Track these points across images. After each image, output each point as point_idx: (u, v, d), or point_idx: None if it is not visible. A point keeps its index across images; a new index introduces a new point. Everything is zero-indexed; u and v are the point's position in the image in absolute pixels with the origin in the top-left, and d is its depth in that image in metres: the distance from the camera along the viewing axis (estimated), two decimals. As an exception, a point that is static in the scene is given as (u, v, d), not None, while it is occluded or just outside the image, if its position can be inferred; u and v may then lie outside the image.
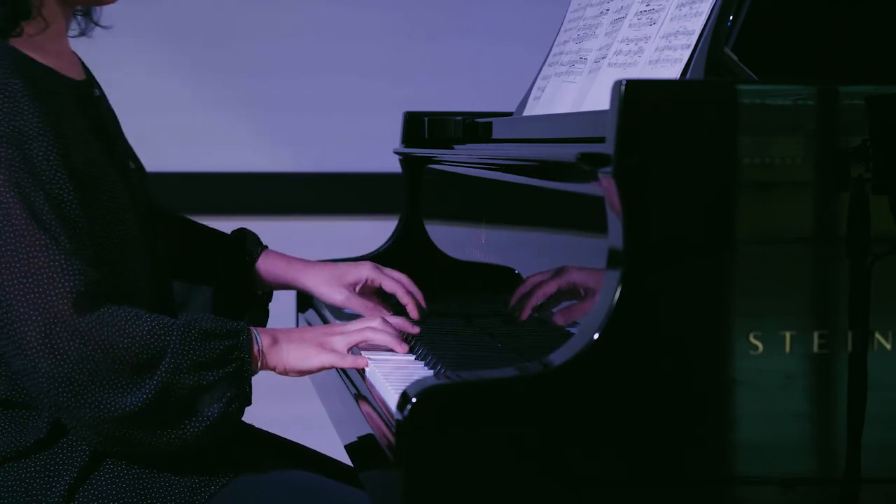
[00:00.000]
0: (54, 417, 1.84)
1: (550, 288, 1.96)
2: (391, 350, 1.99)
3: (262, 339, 1.88)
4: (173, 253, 2.28)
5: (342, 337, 1.95)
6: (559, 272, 1.93)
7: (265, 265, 2.33)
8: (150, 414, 1.78)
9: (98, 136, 1.96)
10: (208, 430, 1.81)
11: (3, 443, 1.86)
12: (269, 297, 2.40)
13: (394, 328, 2.01)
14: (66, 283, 1.77)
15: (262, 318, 2.38)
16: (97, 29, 2.08)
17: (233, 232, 2.37)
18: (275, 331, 1.92)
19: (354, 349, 1.97)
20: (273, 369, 1.90)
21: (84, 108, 1.97)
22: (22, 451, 1.86)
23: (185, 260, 2.33)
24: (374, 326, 1.99)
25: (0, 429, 1.86)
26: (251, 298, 2.36)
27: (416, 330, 2.06)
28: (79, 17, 2.05)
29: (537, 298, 1.99)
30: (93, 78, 2.07)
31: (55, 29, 1.96)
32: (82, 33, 2.06)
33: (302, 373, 1.92)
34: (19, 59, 1.87)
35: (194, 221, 2.38)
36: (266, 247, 2.36)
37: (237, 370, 1.83)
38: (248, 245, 2.34)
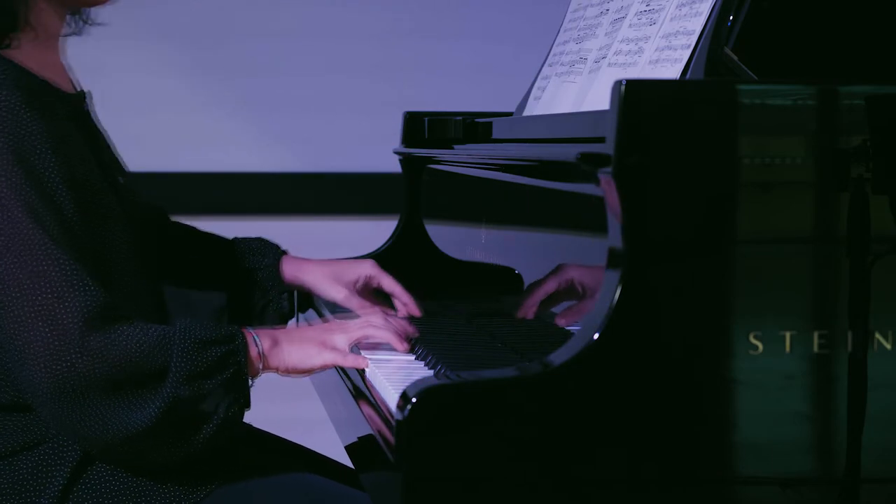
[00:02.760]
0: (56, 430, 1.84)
1: (551, 288, 1.96)
2: (391, 348, 1.99)
3: (262, 341, 1.88)
4: (183, 262, 2.28)
5: (343, 335, 1.95)
6: (559, 272, 1.93)
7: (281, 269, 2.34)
8: (157, 431, 1.78)
9: (91, 150, 1.96)
10: (211, 437, 1.81)
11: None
12: (293, 294, 2.39)
13: (395, 325, 2.01)
14: (79, 301, 1.76)
15: (282, 321, 2.37)
16: (97, 29, 2.07)
17: (252, 239, 2.36)
18: (275, 332, 1.92)
19: (355, 348, 1.97)
20: (276, 370, 1.90)
21: (77, 121, 1.96)
22: (13, 451, 1.85)
23: (197, 269, 2.33)
24: (375, 323, 1.99)
25: None
26: (266, 304, 2.35)
27: (415, 332, 2.05)
28: (68, 17, 2.02)
29: (539, 299, 1.99)
30: (83, 90, 2.05)
31: (49, 38, 1.95)
32: (75, 33, 2.04)
33: (304, 372, 1.92)
34: (19, 73, 1.85)
35: (205, 232, 2.38)
36: (284, 252, 2.35)
37: (235, 374, 1.82)
38: (258, 255, 2.33)
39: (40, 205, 1.78)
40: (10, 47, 1.88)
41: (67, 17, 2.01)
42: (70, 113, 1.94)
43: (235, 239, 2.37)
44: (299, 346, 1.91)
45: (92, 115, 2.04)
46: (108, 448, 1.79)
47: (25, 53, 1.90)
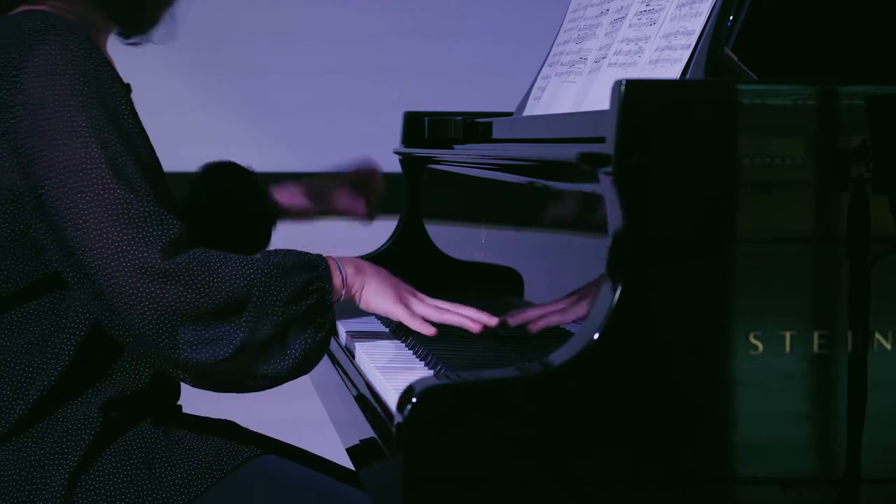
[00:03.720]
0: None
1: (556, 308, 1.95)
2: (391, 348, 2.00)
3: (345, 267, 1.92)
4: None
5: (423, 305, 1.97)
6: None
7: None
8: (243, 354, 1.80)
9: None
10: (297, 364, 1.83)
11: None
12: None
13: (476, 316, 1.99)
14: (154, 232, 1.80)
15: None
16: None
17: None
18: (360, 261, 1.96)
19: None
20: (353, 297, 1.93)
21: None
22: (14, 427, 1.87)
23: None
24: (462, 313, 1.97)
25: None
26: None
27: (494, 321, 1.98)
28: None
29: (548, 320, 1.98)
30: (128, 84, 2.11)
31: (101, 34, 2.02)
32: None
33: (371, 310, 1.96)
34: (94, 43, 1.91)
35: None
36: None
37: (319, 301, 1.85)
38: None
39: (119, 146, 1.83)
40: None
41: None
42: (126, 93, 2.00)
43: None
44: (381, 286, 1.95)
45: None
46: (200, 372, 1.81)
47: (99, 38, 1.99)
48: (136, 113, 1.93)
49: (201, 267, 1.80)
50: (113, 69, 1.90)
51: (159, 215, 1.81)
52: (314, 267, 1.87)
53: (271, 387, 1.86)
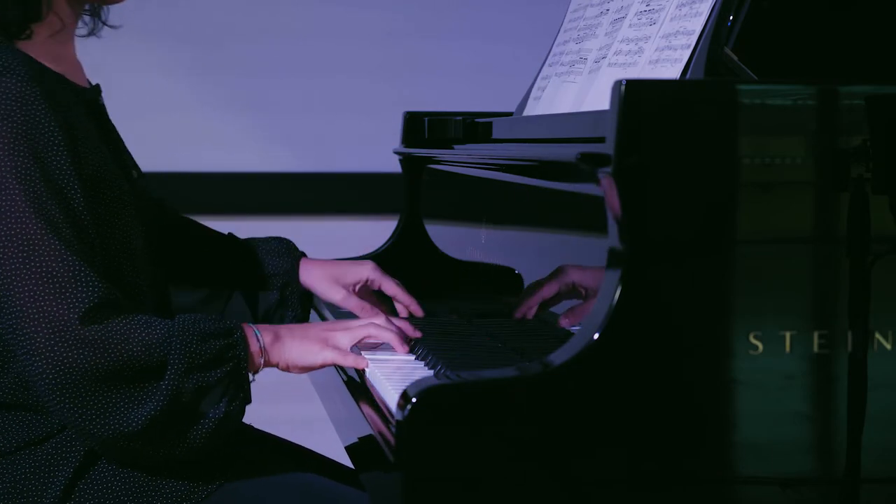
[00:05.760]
0: (61, 424, 1.85)
1: (551, 288, 1.96)
2: (392, 349, 2.00)
3: (263, 336, 1.88)
4: (196, 261, 2.29)
5: (345, 333, 1.95)
6: (559, 272, 1.93)
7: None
8: (158, 425, 1.78)
9: (106, 144, 1.97)
10: (212, 433, 1.81)
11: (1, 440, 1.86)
12: (308, 297, 2.38)
13: (397, 327, 2.01)
14: (78, 294, 1.77)
15: (299, 318, 2.37)
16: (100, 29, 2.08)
17: (271, 240, 2.37)
18: (277, 327, 1.92)
19: (355, 348, 1.97)
20: (276, 366, 1.91)
21: (92, 115, 1.97)
22: (16, 447, 1.86)
23: (212, 268, 2.34)
24: (377, 323, 1.99)
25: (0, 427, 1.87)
26: (283, 310, 2.36)
27: (418, 334, 2.06)
28: (86, 17, 2.04)
29: (539, 300, 1.99)
30: (97, 84, 2.06)
31: (64, 32, 1.95)
32: (91, 33, 2.05)
33: (304, 369, 1.92)
34: (34, 67, 1.85)
35: (219, 232, 2.37)
36: (303, 254, 2.35)
37: (234, 369, 1.83)
38: (270, 259, 2.34)
39: (48, 198, 1.78)
40: (30, 38, 1.89)
41: (84, 16, 2.02)
42: (86, 107, 1.95)
43: (254, 239, 2.37)
44: (301, 343, 1.91)
45: (106, 110, 2.05)
46: (109, 443, 1.79)
47: (41, 47, 1.91)
48: (86, 161, 1.86)
49: (116, 338, 1.77)
50: (51, 113, 1.81)
51: (85, 276, 1.77)
52: (230, 334, 1.83)
53: (187, 459, 1.82)
